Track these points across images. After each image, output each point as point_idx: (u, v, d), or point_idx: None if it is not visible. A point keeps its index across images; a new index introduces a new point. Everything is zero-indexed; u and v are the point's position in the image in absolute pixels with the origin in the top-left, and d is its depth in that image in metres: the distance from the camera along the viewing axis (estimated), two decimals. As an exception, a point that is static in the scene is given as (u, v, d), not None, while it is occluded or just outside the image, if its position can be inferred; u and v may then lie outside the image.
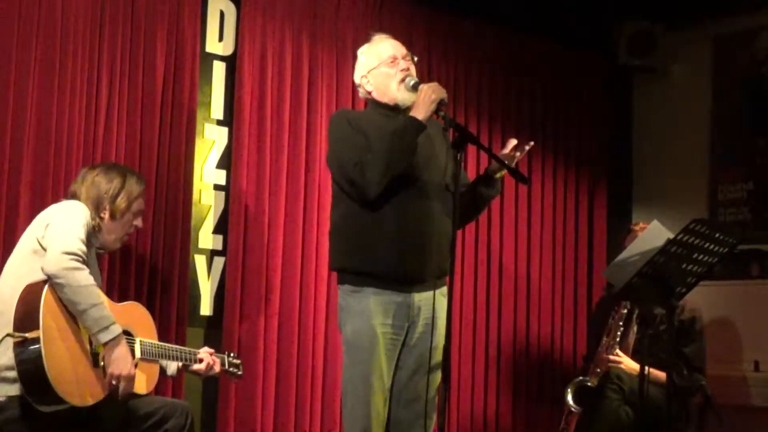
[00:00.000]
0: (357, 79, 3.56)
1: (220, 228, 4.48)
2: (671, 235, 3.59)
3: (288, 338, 4.53)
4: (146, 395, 3.40)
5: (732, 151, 5.78)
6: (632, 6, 5.85)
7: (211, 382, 4.24)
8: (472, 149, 5.03)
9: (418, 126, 3.26)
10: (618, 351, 4.51)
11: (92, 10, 4.03)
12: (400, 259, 3.32)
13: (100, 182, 3.43)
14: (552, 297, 5.68)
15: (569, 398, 4.58)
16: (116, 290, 3.97)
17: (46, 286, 3.11)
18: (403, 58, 3.48)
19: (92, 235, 3.35)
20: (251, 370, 4.35)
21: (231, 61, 4.54)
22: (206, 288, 4.44)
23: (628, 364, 4.48)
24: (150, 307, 4.00)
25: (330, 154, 3.48)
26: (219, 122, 4.53)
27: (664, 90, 6.11)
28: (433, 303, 3.38)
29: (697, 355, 4.52)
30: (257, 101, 4.53)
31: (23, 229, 3.36)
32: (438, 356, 3.35)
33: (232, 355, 3.82)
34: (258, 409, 4.39)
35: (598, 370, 4.49)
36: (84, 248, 3.16)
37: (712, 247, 3.64)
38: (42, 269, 3.12)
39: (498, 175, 3.48)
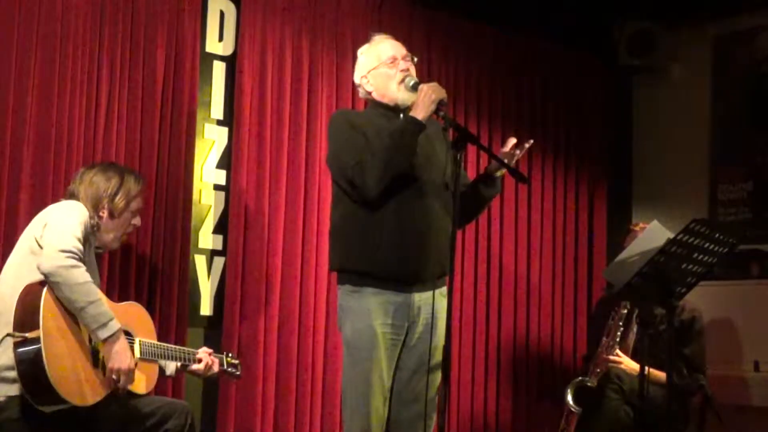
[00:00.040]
0: (357, 79, 3.56)
1: (220, 228, 4.48)
2: (671, 235, 3.59)
3: (288, 338, 4.53)
4: (146, 395, 3.40)
5: (732, 151, 5.78)
6: (632, 6, 5.85)
7: (211, 383, 4.24)
8: (472, 149, 5.03)
9: (418, 126, 3.26)
10: (618, 351, 4.51)
11: (92, 10, 4.03)
12: (400, 259, 3.33)
13: (99, 181, 3.43)
14: (552, 297, 5.68)
15: (569, 398, 4.58)
16: (116, 290, 3.97)
17: (46, 286, 3.11)
18: (403, 58, 3.48)
19: (91, 234, 3.35)
20: (251, 371, 4.35)
21: (231, 61, 4.54)
22: (206, 288, 4.44)
23: (628, 364, 4.48)
24: (150, 307, 4.02)
25: (330, 154, 3.48)
26: (219, 122, 4.53)
27: (664, 90, 6.11)
28: (432, 303, 3.38)
29: (697, 355, 4.52)
30: (257, 101, 4.53)
31: (23, 229, 3.36)
32: (438, 356, 3.35)
33: (230, 355, 3.82)
34: (258, 409, 4.39)
35: (598, 370, 4.50)
36: (80, 246, 3.16)
37: (712, 247, 3.64)
38: (38, 268, 3.12)
39: (498, 174, 3.48)
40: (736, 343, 5.32)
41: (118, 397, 3.27)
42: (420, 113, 3.26)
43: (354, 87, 3.78)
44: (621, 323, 4.52)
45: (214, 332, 4.38)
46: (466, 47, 5.42)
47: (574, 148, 5.89)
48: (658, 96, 6.14)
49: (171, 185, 4.22)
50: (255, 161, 4.49)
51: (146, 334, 3.46)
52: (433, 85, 3.30)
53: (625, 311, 4.52)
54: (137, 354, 3.34)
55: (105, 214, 3.42)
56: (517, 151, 3.41)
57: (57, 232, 3.17)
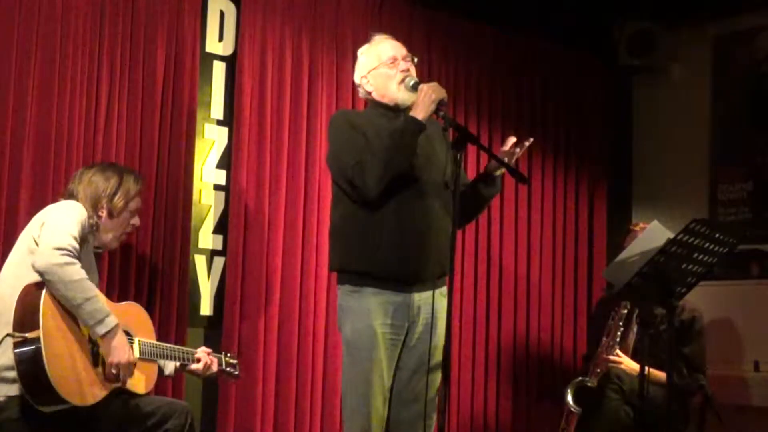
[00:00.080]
0: (357, 79, 3.56)
1: (220, 228, 4.48)
2: (671, 235, 3.59)
3: (288, 338, 4.53)
4: (146, 395, 3.40)
5: (732, 150, 5.78)
6: (632, 6, 5.85)
7: (210, 383, 4.24)
8: (472, 149, 5.03)
9: (418, 126, 3.26)
10: (618, 351, 4.51)
11: (92, 10, 4.03)
12: (400, 259, 3.33)
13: (98, 181, 3.44)
14: (552, 297, 5.68)
15: (569, 398, 4.58)
16: (116, 290, 3.97)
17: (45, 286, 3.11)
18: (403, 58, 3.48)
19: (90, 233, 3.35)
20: (251, 371, 4.35)
21: (231, 61, 4.54)
22: (206, 288, 4.44)
23: (628, 364, 4.48)
24: (150, 307, 4.02)
25: (330, 155, 3.48)
26: (219, 122, 4.53)
27: (664, 90, 6.11)
28: (432, 303, 3.38)
29: (697, 355, 4.52)
30: (257, 101, 4.52)
31: (23, 229, 3.36)
32: (438, 356, 3.35)
33: (229, 355, 3.83)
34: (258, 409, 4.39)
35: (598, 370, 4.50)
36: (75, 244, 3.16)
37: (712, 247, 3.64)
38: (32, 266, 3.12)
39: (497, 173, 3.48)
40: (736, 343, 5.32)
41: (119, 396, 3.27)
42: (420, 113, 3.26)
43: (354, 87, 3.78)
44: (621, 323, 4.52)
45: (214, 332, 4.38)
46: (466, 47, 5.42)
47: (574, 148, 5.88)
48: (658, 96, 6.14)
49: (171, 185, 4.22)
50: (255, 161, 4.49)
51: (145, 334, 3.46)
52: (433, 85, 3.30)
53: (625, 311, 4.52)
54: (136, 354, 3.34)
55: (104, 213, 3.43)
56: (517, 150, 3.41)
57: (52, 230, 3.18)
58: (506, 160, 3.40)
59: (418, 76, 3.49)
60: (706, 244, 3.62)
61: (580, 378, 4.61)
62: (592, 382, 4.49)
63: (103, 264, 3.90)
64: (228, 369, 3.79)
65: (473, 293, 5.32)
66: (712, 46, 5.92)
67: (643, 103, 6.23)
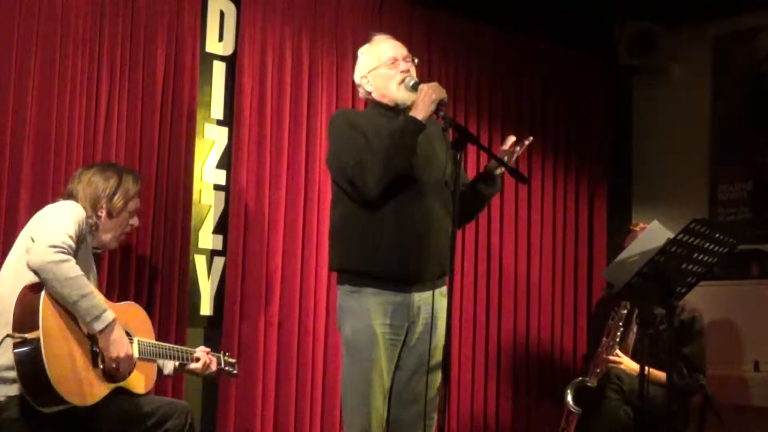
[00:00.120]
0: (357, 79, 3.56)
1: (220, 228, 4.48)
2: (671, 235, 3.59)
3: (288, 338, 4.53)
4: (145, 395, 3.40)
5: (732, 150, 5.78)
6: (632, 6, 5.85)
7: (210, 383, 4.24)
8: (472, 149, 5.04)
9: (418, 126, 3.26)
10: (618, 351, 4.51)
11: (92, 10, 4.03)
12: (399, 259, 3.32)
13: (97, 181, 3.44)
14: (552, 297, 5.68)
15: (569, 399, 4.58)
16: (116, 290, 3.97)
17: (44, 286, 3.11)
18: (404, 59, 3.48)
19: (88, 233, 3.36)
20: (251, 371, 4.35)
21: (231, 61, 4.54)
22: (206, 288, 4.44)
23: (628, 364, 4.48)
24: (150, 307, 4.02)
25: (330, 155, 3.48)
26: (219, 122, 4.53)
27: (664, 90, 6.11)
28: (432, 303, 3.38)
29: (697, 355, 4.52)
30: (257, 101, 4.52)
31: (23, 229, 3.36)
32: (438, 356, 3.35)
33: (227, 354, 3.83)
34: (258, 409, 4.39)
35: (598, 370, 4.50)
36: (70, 242, 3.16)
37: (712, 247, 3.64)
38: (27, 264, 3.12)
39: (497, 172, 3.48)
40: (736, 343, 5.32)
41: (118, 396, 3.27)
42: (420, 113, 3.26)
43: (354, 87, 3.78)
44: (621, 323, 4.52)
45: (214, 332, 4.38)
46: (466, 47, 5.42)
47: (574, 148, 5.88)
48: (658, 96, 6.14)
49: (171, 185, 4.22)
50: (255, 161, 4.49)
51: (144, 334, 3.46)
52: (434, 85, 3.30)
53: (625, 311, 4.52)
54: (136, 354, 3.34)
55: (103, 213, 3.43)
56: (517, 148, 3.41)
57: (48, 228, 3.18)
58: (506, 159, 3.40)
59: (418, 76, 3.49)
60: (706, 244, 3.62)
61: (580, 378, 4.61)
62: (592, 382, 4.49)
63: (103, 264, 3.90)
64: (227, 368, 3.79)
65: (473, 293, 5.32)
66: (712, 46, 5.92)
67: (643, 103, 6.23)
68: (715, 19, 5.85)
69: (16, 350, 3.04)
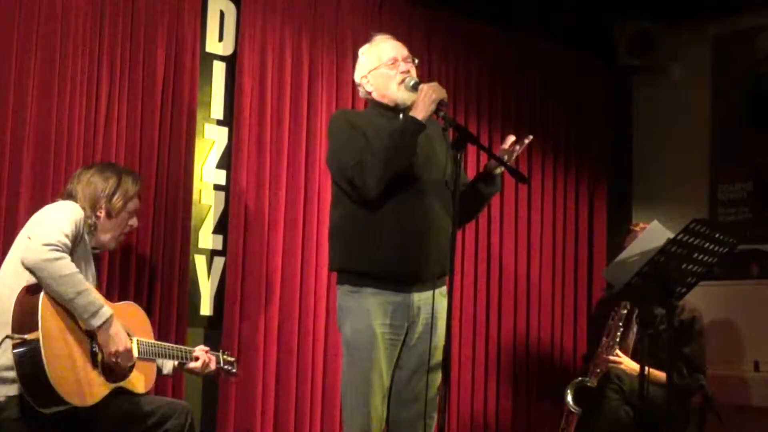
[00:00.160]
0: (357, 78, 3.56)
1: (220, 228, 4.48)
2: (671, 235, 3.59)
3: (288, 338, 4.53)
4: (145, 395, 3.40)
5: (732, 150, 5.78)
6: (632, 6, 5.85)
7: (210, 382, 4.24)
8: (472, 149, 5.03)
9: (418, 126, 3.26)
10: (618, 351, 4.51)
11: (92, 10, 4.03)
12: (399, 259, 3.32)
13: (96, 181, 3.44)
14: (552, 297, 5.68)
15: (569, 399, 4.58)
16: (116, 290, 3.97)
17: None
18: (404, 60, 3.48)
19: (87, 233, 3.36)
20: (251, 370, 4.35)
21: (231, 61, 4.54)
22: (206, 288, 4.44)
23: (628, 364, 4.48)
24: (150, 307, 4.02)
25: (330, 155, 3.48)
26: (219, 122, 4.53)
27: (664, 90, 6.11)
28: (433, 303, 3.38)
29: (697, 355, 4.52)
30: (257, 101, 4.52)
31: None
32: (438, 356, 3.35)
33: (226, 353, 3.84)
34: (258, 409, 4.38)
35: (598, 370, 4.50)
36: (65, 240, 3.15)
37: (712, 247, 3.64)
38: (22, 263, 3.12)
39: (497, 171, 3.48)
40: (736, 343, 5.32)
41: (118, 396, 3.27)
42: (420, 113, 3.26)
43: (354, 87, 3.78)
44: (621, 323, 4.52)
45: (214, 332, 4.38)
46: (466, 47, 5.42)
47: (574, 148, 5.88)
48: (658, 96, 6.14)
49: (171, 185, 4.22)
50: (255, 161, 4.49)
51: (143, 334, 3.46)
52: (434, 85, 3.30)
53: (625, 311, 4.52)
54: (135, 354, 3.34)
55: (102, 214, 3.43)
56: (517, 147, 3.41)
57: (43, 227, 3.19)
58: (506, 158, 3.39)
59: (418, 76, 3.49)
60: (706, 244, 3.62)
61: (580, 378, 4.60)
62: (592, 382, 4.49)
63: (103, 264, 3.90)
64: (226, 367, 3.80)
65: (473, 293, 5.32)
66: (712, 46, 5.92)
67: (643, 103, 6.23)
68: (715, 19, 5.85)
69: (16, 351, 3.04)
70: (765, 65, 5.71)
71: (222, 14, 4.56)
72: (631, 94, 6.28)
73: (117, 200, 3.45)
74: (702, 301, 4.61)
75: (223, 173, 4.51)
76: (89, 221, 3.37)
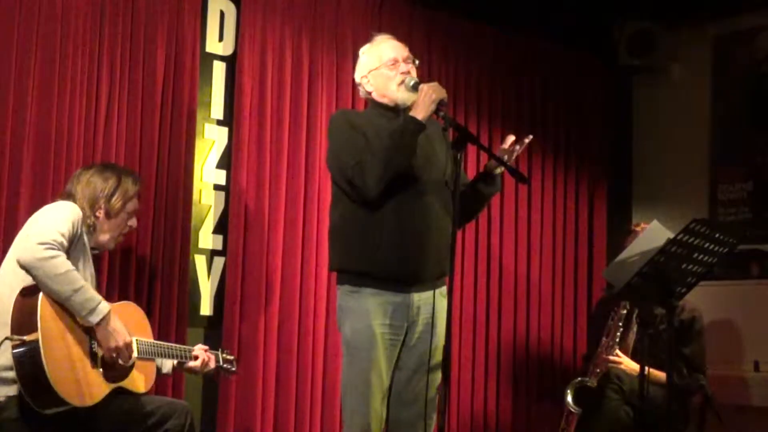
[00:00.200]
0: (357, 78, 3.56)
1: (220, 228, 4.48)
2: (671, 235, 3.58)
3: (288, 338, 4.53)
4: (145, 394, 3.40)
5: (732, 150, 5.78)
6: (632, 6, 5.85)
7: (210, 382, 4.24)
8: (472, 149, 5.03)
9: (418, 126, 3.26)
10: (618, 351, 4.51)
11: (92, 10, 4.03)
12: (399, 259, 3.32)
13: (96, 182, 3.44)
14: (552, 297, 5.68)
15: (569, 399, 4.58)
16: (116, 290, 3.97)
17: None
18: (404, 60, 3.48)
19: (86, 233, 3.35)
20: (251, 370, 4.35)
21: (231, 61, 4.54)
22: (206, 288, 4.44)
23: (628, 364, 4.48)
24: (150, 307, 4.02)
25: (329, 155, 3.48)
26: (219, 122, 4.53)
27: (664, 90, 6.11)
28: (432, 303, 3.38)
29: (697, 355, 4.52)
30: (257, 101, 4.52)
31: (22, 229, 3.36)
32: (438, 356, 3.35)
33: (226, 351, 3.83)
34: (258, 409, 4.39)
35: (598, 370, 4.49)
36: (61, 239, 3.15)
37: (712, 247, 3.64)
38: (17, 261, 3.12)
39: (497, 171, 3.48)
40: (736, 343, 5.32)
41: (118, 396, 3.27)
42: (420, 113, 3.26)
43: (354, 87, 3.78)
44: (621, 323, 4.52)
45: (214, 332, 4.38)
46: (466, 47, 5.42)
47: (574, 148, 5.88)
48: (658, 96, 6.14)
49: (171, 185, 4.22)
50: (255, 161, 4.49)
51: (143, 333, 3.46)
52: (434, 84, 3.30)
53: (625, 311, 4.52)
54: (135, 354, 3.34)
55: (101, 214, 3.43)
56: (517, 147, 3.41)
57: (40, 226, 3.18)
58: (506, 158, 3.39)
59: (418, 76, 3.49)
60: (706, 244, 3.62)
61: (580, 378, 4.60)
62: (592, 382, 4.49)
63: (103, 264, 3.90)
64: (225, 365, 3.80)
65: (473, 293, 5.32)
66: (712, 46, 5.92)
67: (643, 103, 6.23)
68: (715, 19, 5.85)
69: (15, 351, 3.03)
70: (765, 65, 5.71)
71: (222, 14, 4.56)
72: (631, 94, 6.28)
73: (116, 201, 3.44)
74: (702, 301, 4.61)
75: (223, 173, 4.51)
76: (88, 221, 3.36)
